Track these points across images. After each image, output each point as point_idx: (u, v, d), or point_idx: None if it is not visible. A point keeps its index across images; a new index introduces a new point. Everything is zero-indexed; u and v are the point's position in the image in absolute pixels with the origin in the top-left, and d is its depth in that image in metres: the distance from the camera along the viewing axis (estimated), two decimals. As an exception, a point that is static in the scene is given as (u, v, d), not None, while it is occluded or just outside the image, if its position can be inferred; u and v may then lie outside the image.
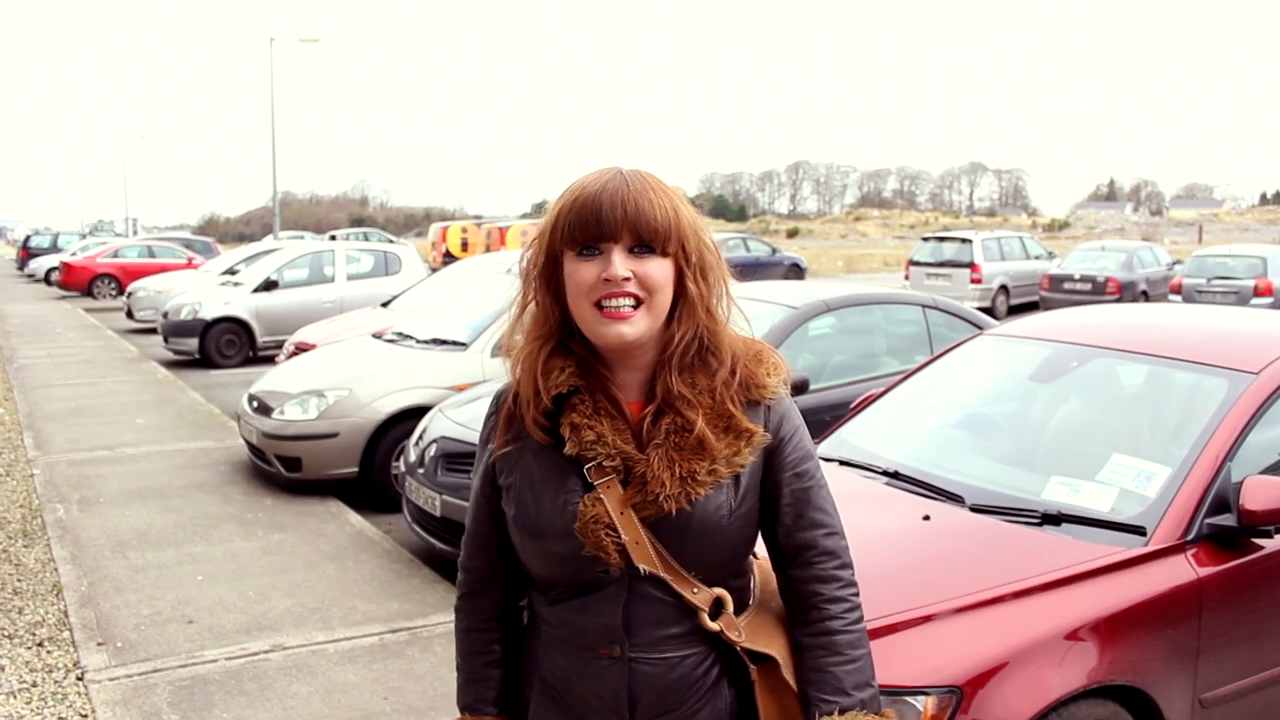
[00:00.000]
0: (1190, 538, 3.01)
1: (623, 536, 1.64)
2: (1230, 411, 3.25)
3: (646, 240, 1.62)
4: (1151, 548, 2.96)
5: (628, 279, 1.61)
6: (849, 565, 1.77)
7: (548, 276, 1.69)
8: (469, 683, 1.89)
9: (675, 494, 1.64)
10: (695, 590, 1.69)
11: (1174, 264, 22.47)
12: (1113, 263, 21.13)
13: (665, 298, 1.65)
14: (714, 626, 1.70)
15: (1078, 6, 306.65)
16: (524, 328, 1.72)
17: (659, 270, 1.63)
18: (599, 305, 1.62)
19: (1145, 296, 20.59)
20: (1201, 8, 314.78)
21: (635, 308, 1.62)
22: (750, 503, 1.71)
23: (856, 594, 1.76)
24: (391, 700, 4.20)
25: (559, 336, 1.70)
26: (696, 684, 1.71)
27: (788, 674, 1.74)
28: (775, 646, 1.75)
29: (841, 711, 1.69)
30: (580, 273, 1.62)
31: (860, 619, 1.75)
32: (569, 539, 1.66)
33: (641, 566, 1.65)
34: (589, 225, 1.61)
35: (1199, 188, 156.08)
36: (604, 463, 1.66)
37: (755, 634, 1.75)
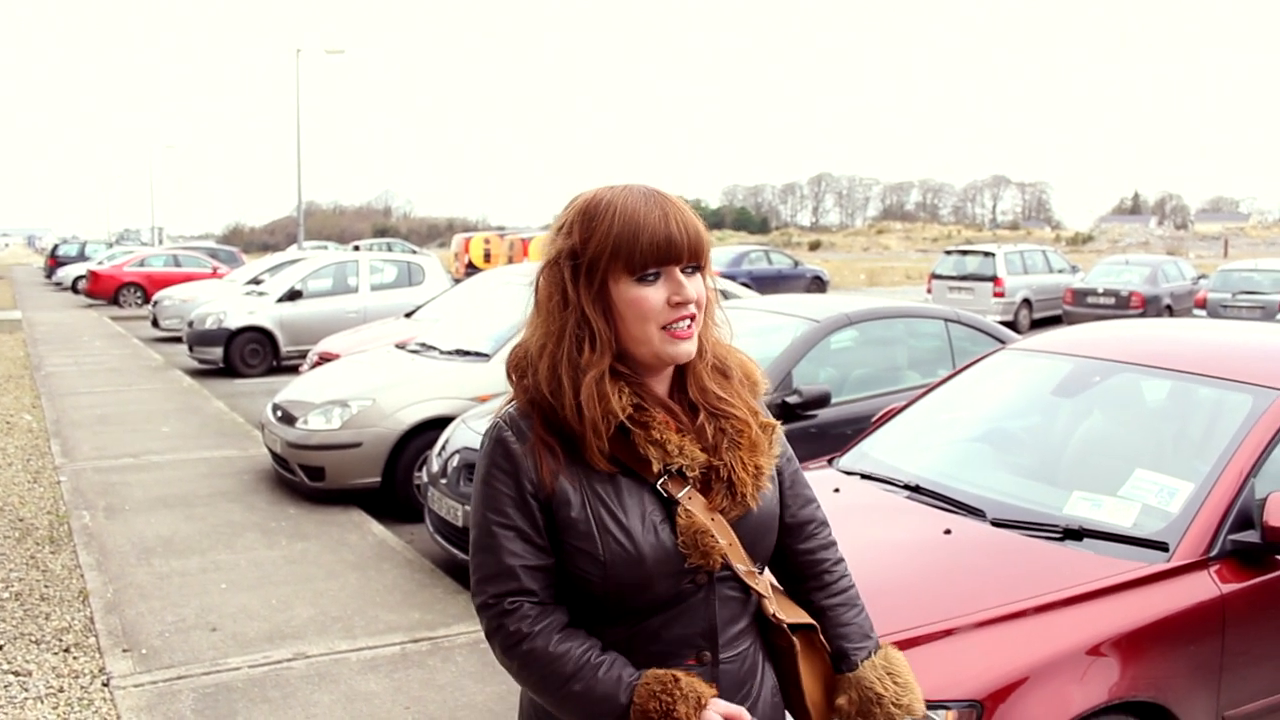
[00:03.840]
0: (1213, 554, 3.00)
1: (719, 541, 1.65)
2: (1254, 427, 3.24)
3: (698, 259, 1.65)
4: (1174, 564, 2.96)
5: (696, 299, 1.65)
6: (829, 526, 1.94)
7: (600, 303, 1.63)
8: (604, 675, 1.63)
9: (753, 491, 1.70)
10: (757, 581, 1.74)
11: (1199, 278, 22.32)
12: (1137, 277, 21.01)
13: (708, 311, 1.71)
14: (777, 612, 1.77)
15: (1102, 19, 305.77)
16: (569, 356, 1.64)
17: (705, 286, 1.68)
18: (664, 326, 1.63)
19: (1170, 311, 20.45)
20: (1227, 20, 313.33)
21: (691, 324, 1.66)
22: (776, 488, 1.81)
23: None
24: (413, 710, 4.22)
25: (612, 362, 1.65)
26: (757, 671, 1.77)
27: (822, 637, 1.84)
28: (804, 617, 1.83)
29: (869, 655, 1.83)
30: (647, 299, 1.61)
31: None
32: (669, 559, 1.63)
33: (737, 565, 1.68)
34: (660, 250, 1.60)
35: (1225, 201, 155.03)
36: (686, 472, 1.66)
37: (785, 610, 1.82)
